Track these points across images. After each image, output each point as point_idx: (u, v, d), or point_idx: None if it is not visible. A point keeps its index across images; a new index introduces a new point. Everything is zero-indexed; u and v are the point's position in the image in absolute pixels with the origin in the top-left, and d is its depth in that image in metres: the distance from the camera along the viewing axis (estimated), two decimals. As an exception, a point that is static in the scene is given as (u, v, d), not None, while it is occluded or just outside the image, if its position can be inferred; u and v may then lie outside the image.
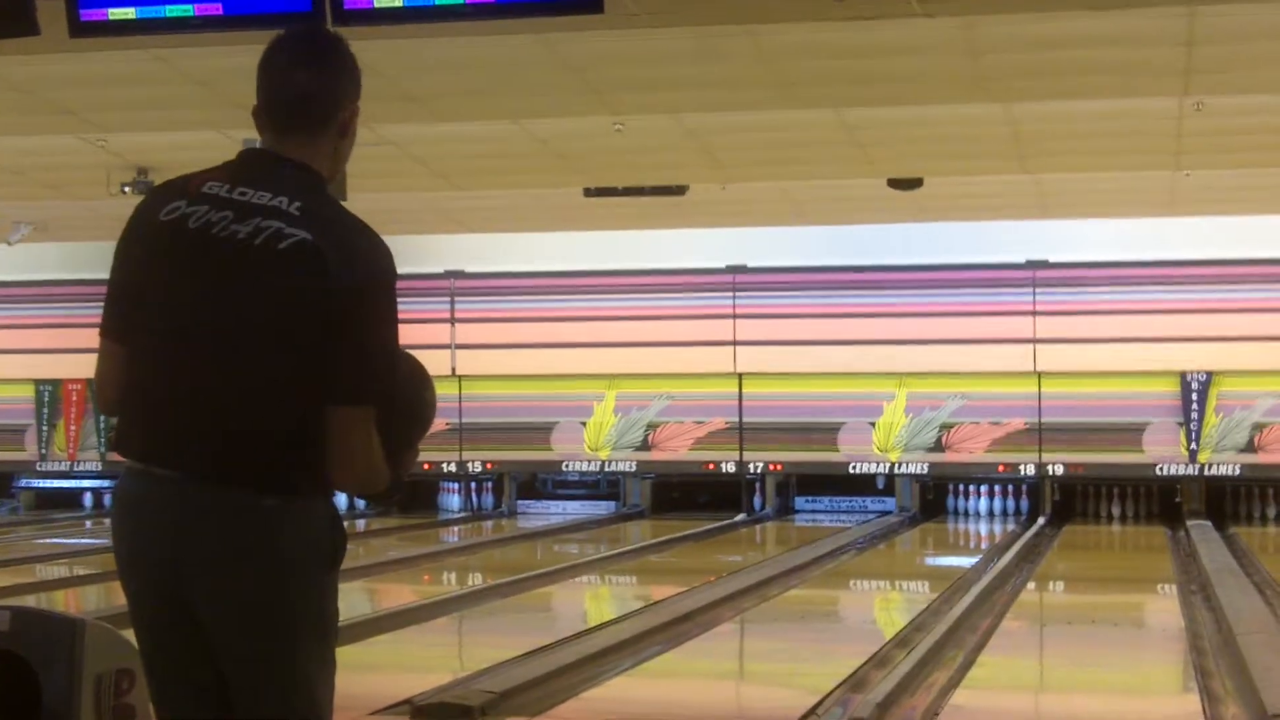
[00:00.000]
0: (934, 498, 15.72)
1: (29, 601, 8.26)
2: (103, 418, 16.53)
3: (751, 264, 15.49)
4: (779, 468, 15.60)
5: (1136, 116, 9.35)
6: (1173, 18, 7.15)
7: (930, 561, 13.53)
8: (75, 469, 16.95)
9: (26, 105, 8.83)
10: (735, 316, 15.54)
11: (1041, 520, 14.70)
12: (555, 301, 15.87)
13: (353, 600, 9.00)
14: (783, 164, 10.95)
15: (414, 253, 14.51)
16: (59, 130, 9.63)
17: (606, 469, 15.96)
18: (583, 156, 10.67)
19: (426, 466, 15.57)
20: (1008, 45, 7.61)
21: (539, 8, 6.05)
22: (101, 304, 2.79)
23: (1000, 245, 14.87)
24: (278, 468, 2.68)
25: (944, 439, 15.24)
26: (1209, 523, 14.07)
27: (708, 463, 15.66)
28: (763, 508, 15.84)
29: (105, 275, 2.82)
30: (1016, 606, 9.19)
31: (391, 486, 2.80)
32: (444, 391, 3.45)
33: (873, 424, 15.35)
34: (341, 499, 2.96)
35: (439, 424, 2.84)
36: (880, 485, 15.73)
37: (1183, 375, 14.73)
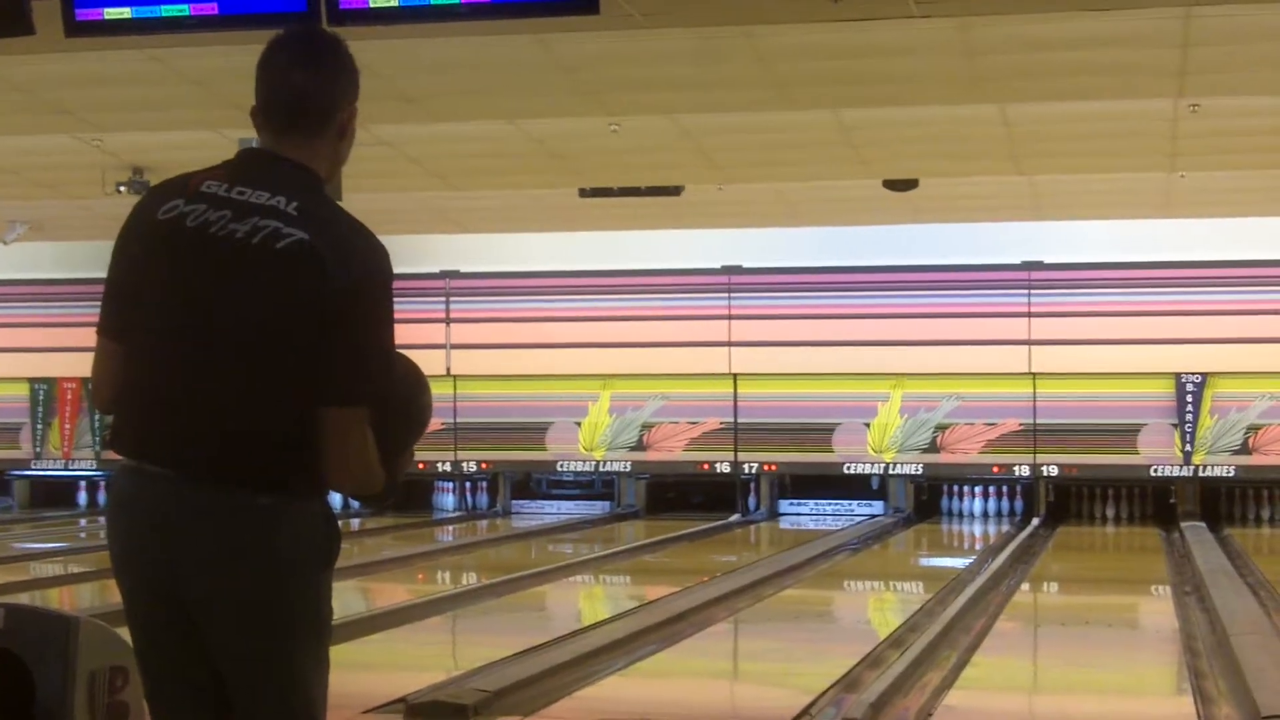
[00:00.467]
0: (928, 499, 15.73)
1: (23, 599, 8.26)
2: (98, 416, 16.53)
3: (747, 265, 15.50)
4: (774, 468, 15.61)
5: (1132, 118, 9.36)
6: (1168, 19, 7.16)
7: (924, 562, 13.54)
8: (70, 467, 16.94)
9: (22, 105, 8.83)
10: (730, 317, 15.55)
11: (1036, 521, 14.71)
12: (551, 302, 15.87)
13: (347, 599, 9.00)
14: (778, 165, 10.96)
15: (409, 253, 14.50)
16: (54, 130, 9.62)
17: (601, 469, 15.96)
18: (578, 157, 10.68)
19: (421, 466, 15.57)
20: (1003, 46, 7.62)
21: (534, 8, 6.05)
22: (97, 303, 2.80)
23: (995, 246, 14.88)
24: (273, 467, 2.68)
25: (939, 440, 15.25)
26: (1203, 524, 14.08)
27: (702, 463, 15.66)
28: (757, 508, 15.85)
29: (101, 275, 2.82)
30: (1010, 607, 9.20)
31: (387, 488, 2.81)
32: (439, 391, 3.45)
33: (867, 425, 15.35)
34: (336, 498, 2.96)
35: (434, 423, 2.84)
36: (875, 486, 15.74)
37: (1178, 377, 14.74)
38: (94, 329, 2.81)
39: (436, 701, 5.58)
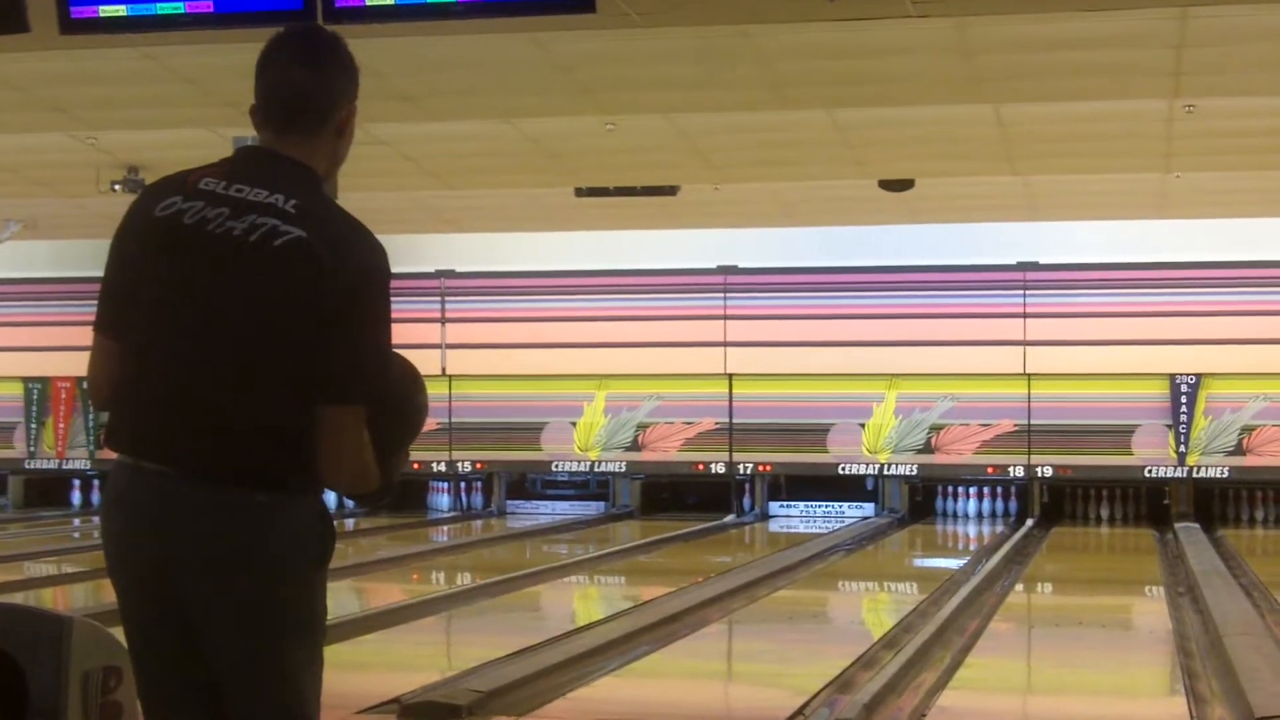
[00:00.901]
0: (923, 499, 15.73)
1: (17, 599, 8.25)
2: (92, 415, 16.51)
3: (742, 265, 15.50)
4: (768, 468, 15.61)
5: (1127, 119, 9.36)
6: (1164, 20, 7.16)
7: (918, 563, 13.53)
8: (64, 466, 16.91)
9: (16, 103, 8.82)
10: (726, 317, 15.55)
11: (1030, 522, 14.71)
12: (546, 301, 15.86)
13: (342, 599, 9.00)
14: (774, 165, 10.95)
15: (405, 252, 14.46)
16: (49, 128, 9.61)
17: (596, 469, 15.96)
18: (574, 156, 10.67)
19: (416, 466, 15.57)
20: (999, 46, 7.63)
21: (530, 7, 6.05)
22: (91, 302, 2.79)
23: (990, 247, 14.89)
24: (269, 465, 2.68)
25: (933, 440, 15.25)
26: (1197, 525, 14.09)
27: (697, 463, 15.66)
28: (752, 508, 15.84)
29: (95, 274, 2.82)
30: (1004, 608, 9.19)
31: (382, 488, 2.80)
32: (434, 391, 3.45)
33: (862, 425, 15.36)
34: (331, 497, 2.96)
35: (429, 423, 2.85)
36: (869, 487, 15.74)
37: (1172, 378, 14.75)
38: (88, 328, 2.80)
39: (430, 702, 5.57)
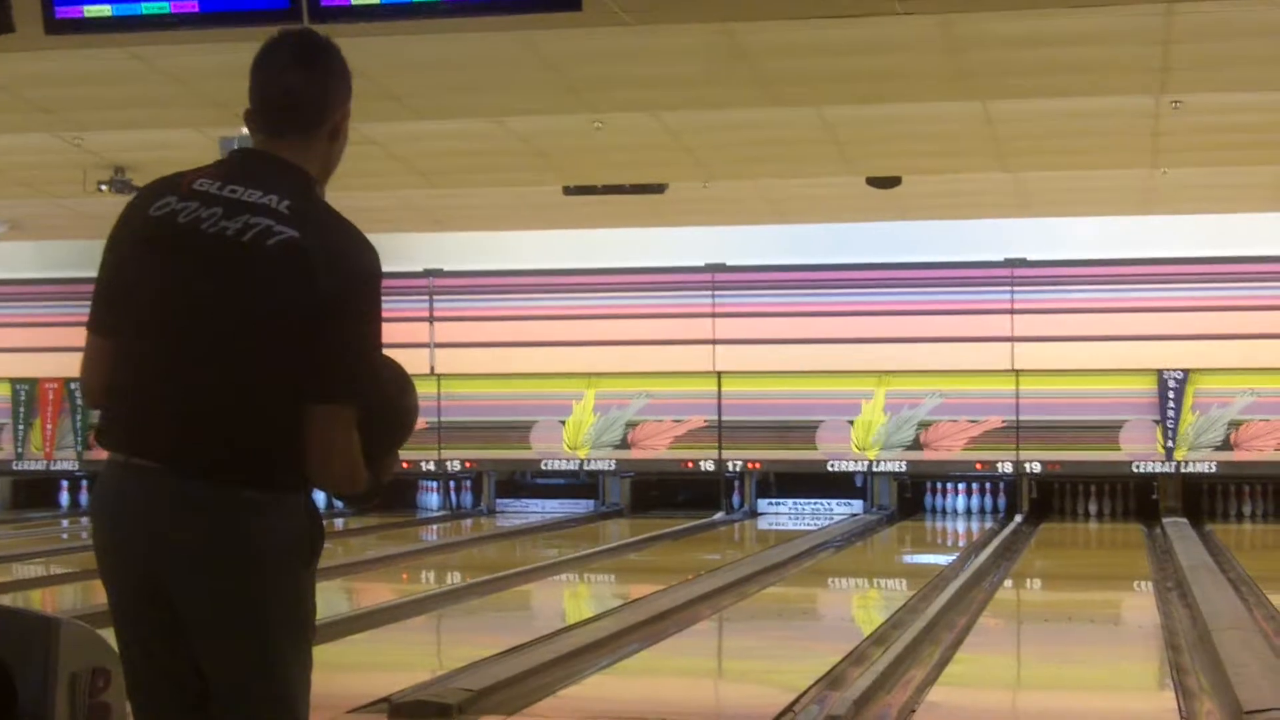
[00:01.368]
0: (911, 496, 15.75)
1: (4, 600, 8.23)
2: (79, 416, 16.48)
3: (731, 262, 15.50)
4: (757, 466, 15.62)
5: (1114, 115, 9.38)
6: (1150, 16, 7.18)
7: (908, 559, 13.55)
8: (52, 468, 16.88)
9: (2, 103, 8.80)
10: (714, 315, 15.55)
11: (1019, 518, 14.74)
12: (534, 300, 15.86)
13: (331, 598, 8.98)
14: (763, 162, 10.96)
15: (393, 251, 14.45)
16: (35, 128, 9.58)
17: (585, 467, 15.96)
18: (562, 155, 10.67)
19: (405, 465, 15.55)
20: (986, 43, 7.64)
21: (516, 5, 6.04)
22: (78, 303, 2.81)
23: (978, 243, 14.91)
24: (259, 463, 2.68)
25: (922, 437, 15.26)
26: (1185, 520, 14.12)
27: (686, 461, 15.66)
28: (741, 506, 15.85)
29: (82, 274, 2.83)
30: (993, 604, 9.21)
31: (371, 489, 2.81)
32: (423, 390, 3.45)
33: (851, 422, 15.37)
34: (320, 497, 2.96)
35: (418, 423, 2.85)
36: (858, 483, 15.76)
37: (1160, 373, 14.78)
38: (76, 329, 2.81)
39: (420, 701, 5.57)
